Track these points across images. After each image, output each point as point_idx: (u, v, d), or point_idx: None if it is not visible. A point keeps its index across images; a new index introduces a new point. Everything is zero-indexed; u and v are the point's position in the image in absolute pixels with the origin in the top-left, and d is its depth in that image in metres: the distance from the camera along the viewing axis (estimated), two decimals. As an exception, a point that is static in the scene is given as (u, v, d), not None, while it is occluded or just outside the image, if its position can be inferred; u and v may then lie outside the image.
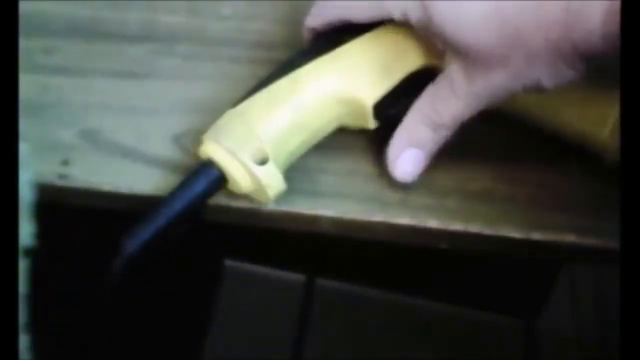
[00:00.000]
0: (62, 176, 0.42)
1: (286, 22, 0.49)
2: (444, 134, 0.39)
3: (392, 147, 0.40)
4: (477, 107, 0.38)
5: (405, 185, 0.41)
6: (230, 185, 0.40)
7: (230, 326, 1.08)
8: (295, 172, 0.41)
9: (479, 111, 0.38)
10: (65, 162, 0.43)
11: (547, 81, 0.35)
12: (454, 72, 0.37)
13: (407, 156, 0.40)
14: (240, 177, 0.39)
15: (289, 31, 0.48)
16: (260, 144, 0.39)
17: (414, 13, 0.38)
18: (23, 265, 0.28)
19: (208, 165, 0.39)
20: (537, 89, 0.36)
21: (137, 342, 0.89)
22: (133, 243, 0.37)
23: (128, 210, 0.42)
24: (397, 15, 0.39)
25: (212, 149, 0.39)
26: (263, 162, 0.38)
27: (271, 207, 0.41)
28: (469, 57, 0.36)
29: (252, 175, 0.38)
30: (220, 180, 0.39)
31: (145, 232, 0.37)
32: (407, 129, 0.40)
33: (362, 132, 0.42)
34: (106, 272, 0.37)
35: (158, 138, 0.44)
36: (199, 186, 0.39)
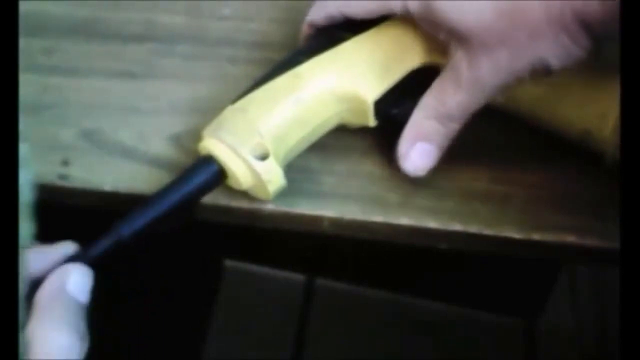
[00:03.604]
0: (62, 176, 0.42)
1: (285, 22, 0.49)
2: (452, 127, 0.39)
3: (402, 142, 0.40)
4: (483, 95, 0.38)
5: (405, 186, 0.41)
6: (230, 181, 0.40)
7: (230, 326, 1.07)
8: (296, 172, 0.41)
9: (486, 101, 0.38)
10: (65, 162, 0.43)
11: (553, 60, 0.35)
12: (458, 61, 0.37)
13: (417, 151, 0.40)
14: (240, 173, 0.39)
15: (287, 31, 0.48)
16: (261, 140, 0.38)
17: (414, 5, 0.38)
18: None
19: (208, 160, 0.39)
20: (544, 71, 0.36)
21: (137, 342, 0.89)
22: (126, 228, 0.37)
23: (128, 210, 0.42)
24: (398, 9, 0.39)
25: (212, 144, 0.39)
26: (263, 157, 0.38)
27: (271, 207, 0.41)
28: (472, 41, 0.36)
29: (253, 170, 0.38)
30: (220, 176, 0.39)
31: (140, 220, 0.37)
32: (415, 123, 0.40)
33: (363, 133, 0.42)
34: (92, 247, 0.36)
35: (158, 138, 0.44)
36: (198, 180, 0.39)
